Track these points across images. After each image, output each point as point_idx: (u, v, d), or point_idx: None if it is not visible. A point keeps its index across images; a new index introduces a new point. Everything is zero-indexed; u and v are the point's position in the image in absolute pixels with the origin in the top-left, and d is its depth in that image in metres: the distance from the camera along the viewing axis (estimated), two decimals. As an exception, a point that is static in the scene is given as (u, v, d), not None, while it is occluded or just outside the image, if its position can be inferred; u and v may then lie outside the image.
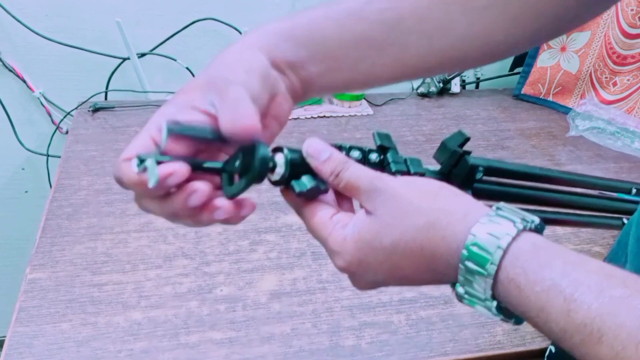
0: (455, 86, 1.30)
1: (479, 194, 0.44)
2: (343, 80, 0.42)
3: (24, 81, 1.14)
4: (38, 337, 0.63)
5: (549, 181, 0.52)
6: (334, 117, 1.16)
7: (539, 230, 0.32)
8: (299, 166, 0.38)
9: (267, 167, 0.36)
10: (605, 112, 1.16)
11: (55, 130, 1.20)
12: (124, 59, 1.16)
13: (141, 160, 0.33)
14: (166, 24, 1.15)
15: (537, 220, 0.31)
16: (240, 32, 1.16)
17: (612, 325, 0.26)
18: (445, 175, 0.44)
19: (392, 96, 1.26)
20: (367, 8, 0.39)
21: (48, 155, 1.21)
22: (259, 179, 0.36)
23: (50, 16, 1.09)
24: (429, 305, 0.69)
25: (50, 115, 1.19)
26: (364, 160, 0.41)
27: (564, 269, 0.28)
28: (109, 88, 1.17)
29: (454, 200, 0.33)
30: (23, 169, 1.26)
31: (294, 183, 0.38)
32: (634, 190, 0.56)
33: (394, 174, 0.40)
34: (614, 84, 1.19)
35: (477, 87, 1.39)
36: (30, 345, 0.62)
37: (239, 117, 0.34)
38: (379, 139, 0.42)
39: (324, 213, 0.37)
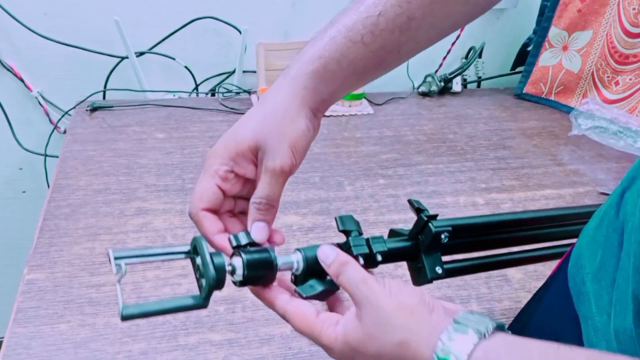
0: (456, 85, 1.29)
1: (448, 252, 0.46)
2: (363, 84, 0.47)
3: (22, 80, 1.13)
4: (36, 338, 0.62)
5: (522, 224, 0.52)
6: (334, 116, 1.15)
7: (498, 330, 0.34)
8: (259, 266, 0.40)
9: (222, 278, 0.38)
10: (607, 111, 1.15)
11: (53, 130, 1.19)
12: (123, 58, 1.15)
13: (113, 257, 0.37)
14: (165, 22, 1.15)
15: (493, 325, 0.34)
16: (239, 31, 1.15)
17: None
18: (414, 239, 0.45)
19: (392, 95, 1.25)
20: (382, 20, 0.43)
21: (46, 155, 1.21)
22: (216, 287, 0.38)
23: (49, 15, 1.09)
24: (430, 306, 0.69)
25: (48, 115, 1.18)
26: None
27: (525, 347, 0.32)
28: (107, 87, 1.17)
29: (424, 319, 0.36)
30: (21, 168, 1.26)
31: (299, 289, 0.41)
32: None
33: (356, 257, 0.42)
34: (616, 83, 1.19)
35: (478, 86, 1.38)
36: (28, 346, 0.61)
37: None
38: (341, 224, 0.45)
39: (310, 312, 0.40)
